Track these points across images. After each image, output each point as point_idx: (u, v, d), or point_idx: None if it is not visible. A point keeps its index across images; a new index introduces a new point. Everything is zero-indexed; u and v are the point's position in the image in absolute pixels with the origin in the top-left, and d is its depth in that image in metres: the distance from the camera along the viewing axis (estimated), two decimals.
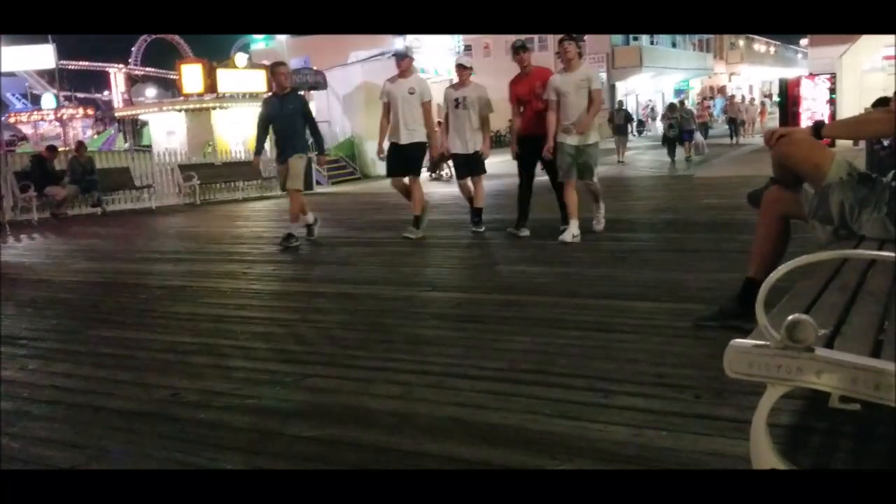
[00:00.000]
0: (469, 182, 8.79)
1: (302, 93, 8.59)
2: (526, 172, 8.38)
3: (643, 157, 23.77)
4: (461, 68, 8.82)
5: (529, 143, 8.09)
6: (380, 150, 8.98)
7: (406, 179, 8.72)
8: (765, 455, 1.87)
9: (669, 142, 22.04)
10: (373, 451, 2.74)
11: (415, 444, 2.78)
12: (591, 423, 2.85)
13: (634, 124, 30.31)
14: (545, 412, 2.99)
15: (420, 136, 8.61)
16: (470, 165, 8.78)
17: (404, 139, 8.53)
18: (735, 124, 29.26)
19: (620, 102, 32.87)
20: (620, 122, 23.31)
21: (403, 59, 8.64)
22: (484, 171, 8.89)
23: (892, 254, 2.54)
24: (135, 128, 36.76)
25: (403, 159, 8.63)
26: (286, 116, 8.68)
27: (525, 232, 8.12)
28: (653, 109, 44.78)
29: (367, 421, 3.06)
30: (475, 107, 8.56)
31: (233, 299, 5.85)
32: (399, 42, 22.68)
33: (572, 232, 7.43)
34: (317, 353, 4.17)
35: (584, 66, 7.99)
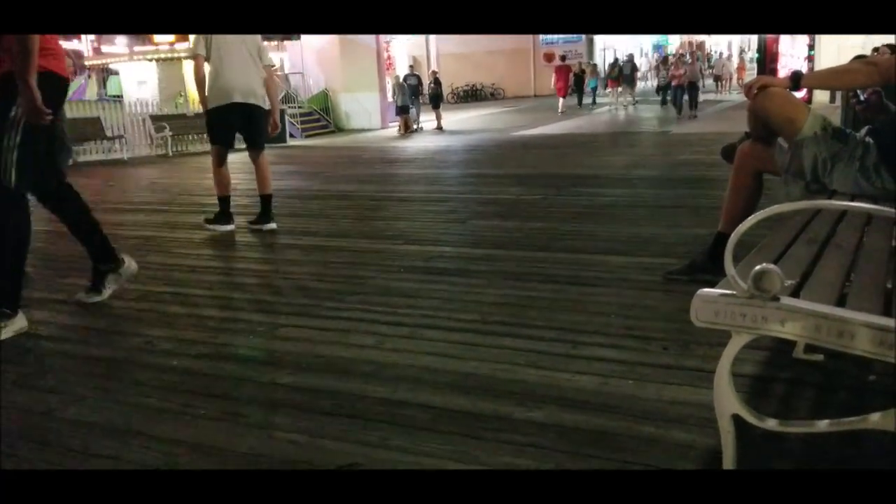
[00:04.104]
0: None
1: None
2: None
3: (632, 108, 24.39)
4: None
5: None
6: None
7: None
8: (728, 402, 1.91)
9: (663, 90, 25.26)
10: (348, 397, 2.77)
11: (389, 391, 2.81)
12: (560, 373, 2.90)
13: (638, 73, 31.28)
14: (516, 362, 3.03)
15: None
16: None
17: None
18: (695, 90, 21.58)
19: (631, 55, 32.54)
20: (628, 73, 26.41)
21: None
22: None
23: (861, 205, 2.59)
24: (105, 77, 36.20)
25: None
26: None
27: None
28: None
29: (342, 369, 3.09)
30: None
31: (206, 250, 5.83)
32: None
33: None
34: (290, 303, 4.18)
35: None
